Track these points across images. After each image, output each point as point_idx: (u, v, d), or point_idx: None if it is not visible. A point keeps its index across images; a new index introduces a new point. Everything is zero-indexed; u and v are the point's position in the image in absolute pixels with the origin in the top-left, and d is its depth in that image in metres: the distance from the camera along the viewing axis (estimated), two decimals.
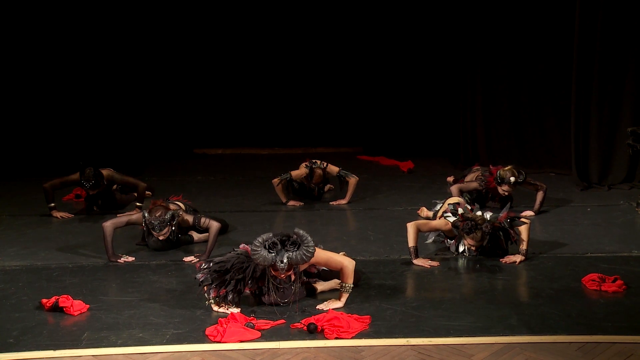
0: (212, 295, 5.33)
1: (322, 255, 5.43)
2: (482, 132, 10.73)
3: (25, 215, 8.13)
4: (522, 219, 6.54)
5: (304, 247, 5.14)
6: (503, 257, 6.47)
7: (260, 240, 5.15)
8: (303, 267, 5.44)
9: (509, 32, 10.34)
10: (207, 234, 6.73)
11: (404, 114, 11.60)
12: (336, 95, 12.04)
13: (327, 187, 9.03)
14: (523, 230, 6.44)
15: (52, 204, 8.04)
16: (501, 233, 6.49)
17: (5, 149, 10.46)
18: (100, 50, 10.95)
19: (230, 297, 5.31)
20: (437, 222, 6.68)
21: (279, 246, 5.12)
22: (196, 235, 7.08)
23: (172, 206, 6.85)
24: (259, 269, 5.29)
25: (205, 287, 5.34)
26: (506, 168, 7.91)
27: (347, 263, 5.42)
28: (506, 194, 7.91)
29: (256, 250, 5.13)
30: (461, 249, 6.60)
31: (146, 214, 6.59)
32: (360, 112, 11.91)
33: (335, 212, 8.34)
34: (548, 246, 6.87)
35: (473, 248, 6.50)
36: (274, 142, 12.09)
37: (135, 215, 6.74)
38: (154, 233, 6.61)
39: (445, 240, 6.82)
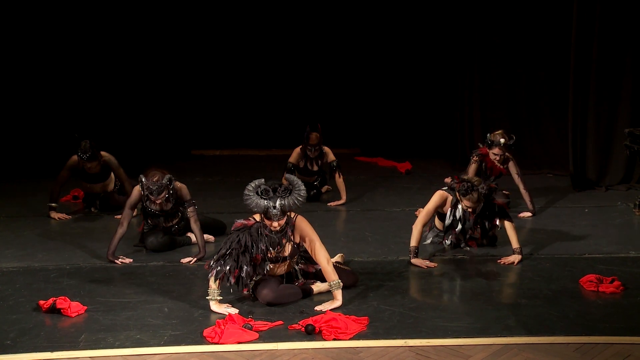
0: (232, 281, 5.33)
1: (310, 232, 5.47)
2: (480, 133, 10.71)
3: (22, 216, 8.12)
4: (510, 217, 6.55)
5: (295, 192, 5.25)
6: (500, 258, 6.49)
7: (252, 186, 5.25)
8: (297, 237, 5.48)
9: (507, 34, 10.36)
10: (205, 235, 6.84)
11: (402, 115, 11.61)
12: (334, 96, 12.04)
13: (324, 187, 9.04)
14: (508, 227, 6.45)
15: (54, 204, 8.02)
16: (488, 213, 6.50)
17: (3, 150, 10.45)
18: (98, 52, 10.94)
19: (244, 272, 5.32)
20: (433, 201, 6.63)
21: (271, 193, 5.21)
22: (194, 237, 7.08)
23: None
24: (253, 232, 5.34)
25: (221, 279, 5.32)
26: (497, 132, 7.93)
27: (325, 258, 5.42)
28: (497, 158, 7.87)
29: (248, 196, 5.21)
30: (458, 215, 6.56)
31: (143, 179, 6.57)
32: (358, 113, 11.91)
33: (333, 213, 8.34)
34: (545, 247, 6.87)
35: (470, 210, 6.43)
36: (272, 143, 12.07)
37: (132, 195, 6.70)
38: (151, 198, 6.60)
39: (444, 241, 6.83)
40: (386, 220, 7.92)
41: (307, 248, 5.55)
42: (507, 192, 8.17)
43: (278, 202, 5.21)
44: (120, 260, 6.52)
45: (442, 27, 11.09)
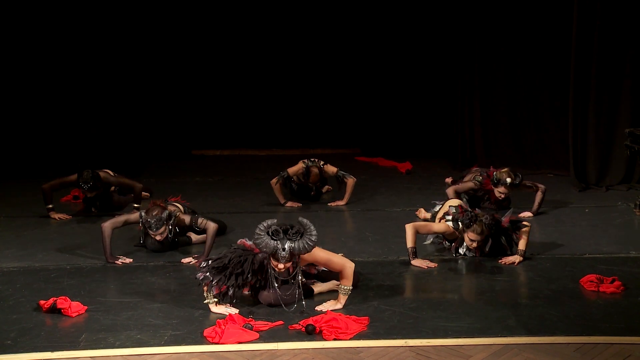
0: (214, 292, 5.30)
1: (323, 255, 5.43)
2: (480, 133, 10.73)
3: (22, 216, 8.12)
4: (524, 222, 6.55)
5: (306, 236, 5.15)
6: (501, 258, 6.48)
7: (264, 226, 5.16)
8: (304, 263, 5.44)
9: (507, 34, 10.35)
10: (203, 236, 6.77)
11: (402, 115, 11.60)
12: (334, 96, 12.04)
13: (325, 188, 9.04)
14: (523, 233, 6.45)
15: (50, 205, 8.03)
16: (504, 237, 6.49)
17: (3, 150, 10.45)
18: (99, 51, 10.93)
19: (231, 292, 5.28)
20: (438, 226, 6.66)
21: (282, 235, 5.13)
22: (194, 237, 7.08)
23: (170, 207, 6.85)
24: (256, 261, 5.29)
25: (205, 286, 5.32)
26: (502, 170, 7.91)
27: (347, 265, 5.42)
28: (502, 196, 7.90)
29: (259, 235, 5.12)
30: (461, 251, 6.59)
31: (143, 214, 6.59)
32: (359, 113, 11.91)
33: (333, 213, 8.34)
34: (546, 247, 6.87)
35: (474, 245, 6.46)
36: (272, 143, 12.09)
37: (133, 215, 6.76)
38: (151, 233, 6.60)
39: (444, 242, 6.82)
40: (386, 220, 7.92)
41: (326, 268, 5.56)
42: None
43: (287, 245, 5.11)
44: (120, 260, 6.52)
45: (442, 27, 11.07)
